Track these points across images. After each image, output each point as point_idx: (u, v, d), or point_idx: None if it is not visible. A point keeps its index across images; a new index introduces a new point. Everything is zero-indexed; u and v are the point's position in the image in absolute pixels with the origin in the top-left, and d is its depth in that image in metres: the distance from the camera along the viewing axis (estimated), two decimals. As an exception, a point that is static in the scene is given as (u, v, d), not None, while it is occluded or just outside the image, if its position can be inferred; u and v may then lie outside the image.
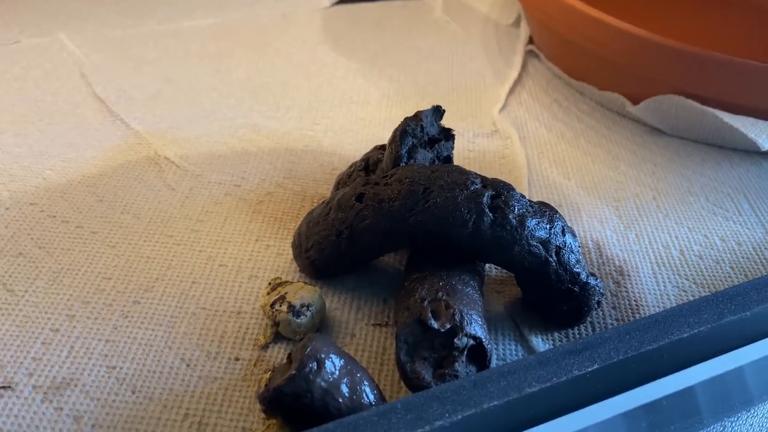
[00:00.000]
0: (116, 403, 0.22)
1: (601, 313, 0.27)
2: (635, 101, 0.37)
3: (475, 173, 0.25)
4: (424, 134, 0.27)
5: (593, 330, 0.26)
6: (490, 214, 0.24)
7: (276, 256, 0.28)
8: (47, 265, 0.27)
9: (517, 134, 0.36)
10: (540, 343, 0.25)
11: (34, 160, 0.32)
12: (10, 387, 0.22)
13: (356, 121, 0.37)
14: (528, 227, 0.24)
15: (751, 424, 0.22)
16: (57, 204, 0.30)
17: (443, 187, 0.24)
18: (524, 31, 0.45)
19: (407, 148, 0.26)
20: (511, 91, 0.40)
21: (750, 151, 0.36)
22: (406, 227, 0.24)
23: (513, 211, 0.24)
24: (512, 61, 0.43)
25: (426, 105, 0.38)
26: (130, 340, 0.24)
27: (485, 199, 0.24)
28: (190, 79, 0.39)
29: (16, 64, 0.40)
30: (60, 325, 0.24)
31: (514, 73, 0.41)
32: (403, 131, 0.26)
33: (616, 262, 0.29)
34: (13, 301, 0.25)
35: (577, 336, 0.26)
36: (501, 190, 0.24)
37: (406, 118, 0.27)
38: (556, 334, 0.26)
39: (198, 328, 0.25)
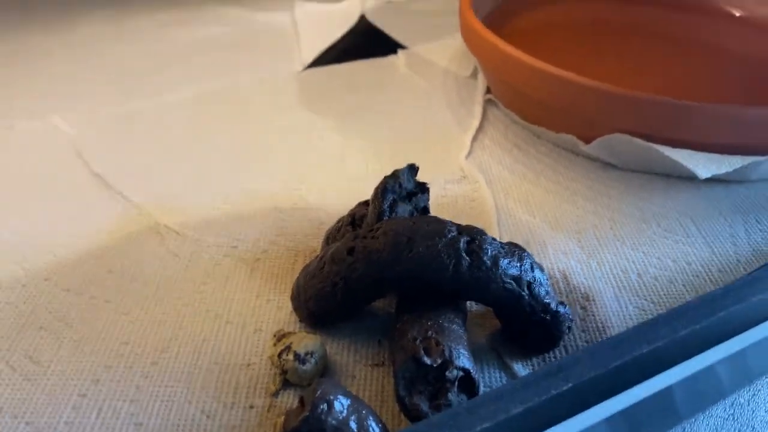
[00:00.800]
0: (147, 456, 0.24)
1: (572, 336, 0.30)
2: (587, 141, 0.41)
3: (451, 222, 0.28)
4: (403, 189, 0.30)
5: (567, 352, 0.29)
6: (467, 258, 0.27)
7: (277, 309, 0.31)
8: (68, 336, 0.29)
9: (483, 178, 0.40)
10: (521, 369, 0.28)
11: (42, 238, 0.35)
12: (47, 451, 0.25)
13: (337, 177, 0.40)
14: (501, 267, 0.27)
15: (708, 424, 0.25)
16: (69, 278, 0.32)
17: (424, 236, 0.27)
18: (481, 82, 0.49)
19: (389, 203, 0.30)
20: (475, 138, 0.44)
21: (693, 179, 0.40)
22: (394, 275, 0.27)
23: (487, 253, 0.27)
24: (473, 110, 0.47)
25: (399, 157, 0.42)
26: (152, 398, 0.27)
27: (462, 244, 0.27)
28: (180, 150, 0.42)
29: (11, 148, 0.43)
30: (87, 390, 0.27)
31: (475, 122, 0.45)
32: (384, 189, 0.30)
33: (582, 289, 0.32)
34: (40, 371, 0.28)
35: (553, 359, 0.29)
36: (475, 236, 0.27)
37: (386, 177, 0.30)
38: (534, 360, 0.29)
39: (213, 382, 0.27)
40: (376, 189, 0.30)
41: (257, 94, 0.49)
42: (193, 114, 0.47)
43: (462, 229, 0.28)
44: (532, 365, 0.29)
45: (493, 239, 0.28)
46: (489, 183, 0.39)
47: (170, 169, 0.41)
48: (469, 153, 0.42)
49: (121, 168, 0.40)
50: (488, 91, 0.48)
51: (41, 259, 0.33)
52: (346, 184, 0.39)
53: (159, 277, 0.32)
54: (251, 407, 0.26)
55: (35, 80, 0.51)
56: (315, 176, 0.40)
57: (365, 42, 0.57)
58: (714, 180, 0.40)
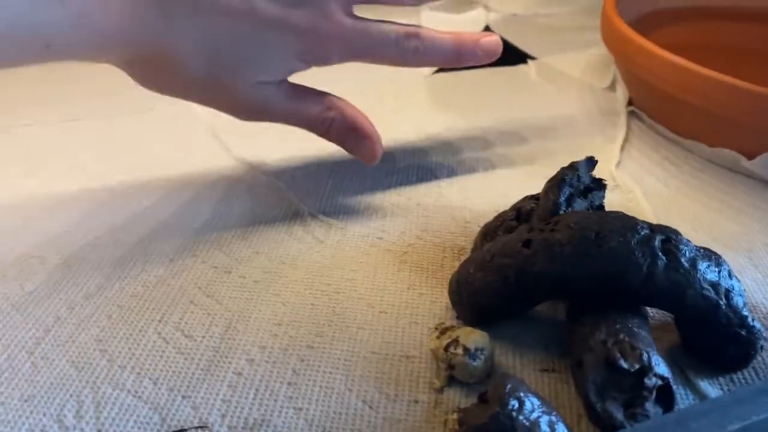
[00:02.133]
0: (313, 443, 0.23)
1: (760, 358, 0.27)
2: (750, 156, 0.38)
3: (641, 219, 0.26)
4: (580, 183, 0.28)
5: (757, 375, 0.26)
6: (664, 258, 0.24)
7: (431, 303, 0.29)
8: (219, 313, 0.28)
9: (639, 189, 0.37)
10: (708, 387, 0.26)
11: (187, 215, 0.34)
12: (207, 427, 0.23)
13: (477, 179, 0.38)
14: (700, 270, 0.24)
15: None
16: (216, 256, 0.31)
17: (615, 231, 0.25)
18: (622, 93, 0.47)
19: (565, 196, 0.28)
20: (622, 148, 0.41)
21: None
22: (580, 272, 0.25)
23: (684, 255, 0.24)
24: (615, 121, 0.44)
25: (542, 164, 0.40)
26: (311, 383, 0.25)
27: (657, 243, 0.24)
28: (319, 143, 0.41)
29: (150, 130, 0.43)
30: (242, 369, 0.25)
31: (621, 133, 0.43)
32: (561, 180, 0.28)
33: (763, 310, 0.29)
34: (193, 346, 0.26)
35: (743, 381, 0.26)
36: (670, 235, 0.25)
37: (563, 168, 0.28)
38: (721, 379, 0.26)
39: (373, 372, 0.25)
40: (551, 180, 0.28)
41: (388, 93, 0.48)
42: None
43: (654, 227, 0.25)
44: (720, 385, 0.26)
45: (689, 241, 0.25)
46: (644, 195, 0.37)
47: (308, 158, 0.40)
48: (619, 162, 0.40)
49: (260, 155, 0.40)
50: (630, 103, 0.46)
51: (187, 237, 0.33)
52: (488, 184, 0.38)
53: (307, 261, 0.31)
54: (416, 401, 0.24)
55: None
56: (455, 176, 0.38)
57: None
58: None
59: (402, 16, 0.60)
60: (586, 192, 0.28)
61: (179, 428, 0.23)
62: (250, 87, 0.31)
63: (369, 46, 0.33)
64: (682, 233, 0.26)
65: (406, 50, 0.33)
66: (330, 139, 0.34)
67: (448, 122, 0.44)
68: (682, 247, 0.25)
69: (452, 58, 0.35)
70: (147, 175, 0.38)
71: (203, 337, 0.27)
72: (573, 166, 0.28)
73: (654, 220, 0.34)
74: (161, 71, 0.30)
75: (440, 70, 0.51)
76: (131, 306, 0.28)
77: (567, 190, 0.28)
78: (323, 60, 0.32)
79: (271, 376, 0.25)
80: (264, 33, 0.30)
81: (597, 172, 0.39)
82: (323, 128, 0.34)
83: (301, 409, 0.24)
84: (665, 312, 0.28)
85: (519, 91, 0.49)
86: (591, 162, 0.28)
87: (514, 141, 0.42)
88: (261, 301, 0.29)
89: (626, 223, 0.25)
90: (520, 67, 0.53)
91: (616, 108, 0.46)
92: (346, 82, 0.51)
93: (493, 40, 0.35)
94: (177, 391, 0.24)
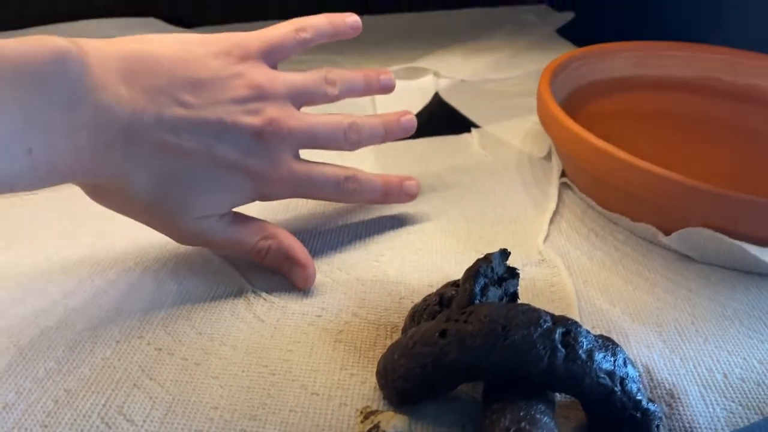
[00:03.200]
0: None
1: (661, 435, 0.30)
2: (666, 232, 0.41)
3: (545, 311, 0.28)
4: (494, 274, 0.31)
5: (656, 452, 0.29)
6: (563, 350, 0.27)
7: (361, 384, 0.31)
8: (160, 396, 0.30)
9: (562, 263, 0.40)
10: (609, 466, 0.28)
11: (134, 296, 0.36)
12: None
13: (415, 251, 0.41)
14: (596, 361, 0.27)
15: None
16: (161, 337, 0.33)
17: (519, 325, 0.27)
18: (556, 164, 0.50)
19: (480, 287, 0.30)
20: (551, 221, 0.44)
21: (774, 276, 0.39)
22: (488, 363, 0.27)
23: (582, 346, 0.27)
24: (548, 192, 0.47)
25: (475, 235, 0.42)
26: (242, 468, 0.27)
27: (557, 335, 0.27)
28: (268, 215, 0.44)
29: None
30: (178, 454, 0.27)
31: (552, 205, 0.46)
32: (476, 272, 0.30)
33: (667, 386, 0.32)
34: (134, 430, 0.28)
35: (642, 458, 0.29)
36: (570, 327, 0.28)
37: (478, 260, 0.31)
38: (622, 457, 0.29)
39: (301, 456, 0.28)
40: (468, 271, 0.31)
41: (334, 161, 0.51)
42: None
43: (557, 319, 0.28)
44: (620, 463, 0.28)
45: (587, 331, 0.28)
46: (568, 269, 0.40)
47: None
48: (547, 236, 0.43)
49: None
50: (563, 174, 0.49)
51: (135, 317, 0.34)
52: (424, 259, 0.40)
53: (247, 341, 0.33)
54: (339, 485, 0.27)
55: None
56: (394, 249, 0.41)
57: (439, 119, 0.58)
58: (799, 280, 0.39)
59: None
60: (500, 281, 0.31)
61: None
62: (195, 219, 0.34)
63: (312, 188, 0.38)
64: (599, 308, 0.28)
65: (345, 191, 0.39)
66: (266, 265, 0.38)
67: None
68: (580, 339, 0.27)
69: (381, 199, 0.43)
70: (102, 251, 0.40)
71: (144, 421, 0.29)
72: (487, 258, 0.31)
73: (574, 294, 0.38)
74: (113, 196, 0.33)
75: (389, 138, 0.54)
76: (77, 390, 0.30)
77: (482, 281, 0.30)
78: (268, 197, 0.37)
79: (206, 460, 0.27)
80: (218, 174, 0.33)
81: (527, 247, 0.42)
82: (260, 256, 0.37)
83: (231, 494, 0.26)
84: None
85: (462, 160, 0.52)
86: (504, 254, 0.31)
87: (453, 213, 0.45)
88: (200, 384, 0.31)
89: (530, 317, 0.28)
90: (464, 135, 0.56)
91: (551, 179, 0.49)
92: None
93: (413, 184, 0.44)
94: (115, 478, 0.26)
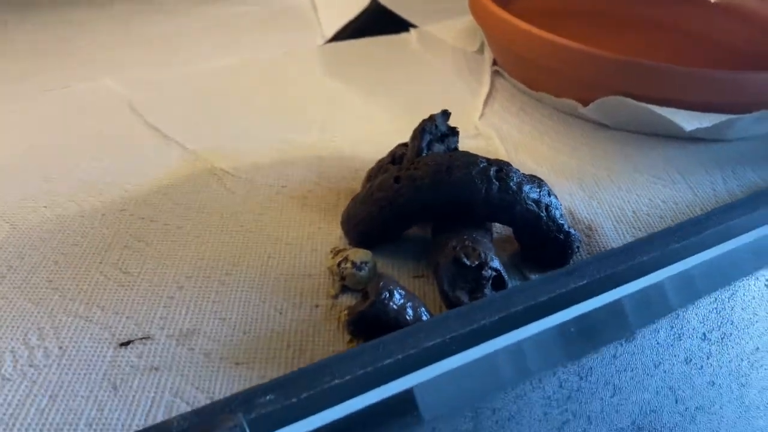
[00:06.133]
0: (234, 341, 0.29)
1: (579, 257, 0.35)
2: (584, 104, 0.46)
3: (482, 156, 0.33)
4: (438, 131, 0.35)
5: (576, 270, 0.35)
6: (497, 183, 0.32)
7: (328, 234, 0.36)
8: (150, 253, 0.34)
9: (496, 135, 0.45)
10: (538, 281, 0.34)
11: (113, 177, 0.39)
12: (149, 337, 0.29)
13: (367, 133, 0.45)
14: (524, 191, 0.32)
15: (696, 313, 0.30)
16: (142, 209, 0.37)
17: (460, 166, 0.32)
18: (488, 55, 0.54)
19: (426, 142, 0.35)
20: (485, 103, 0.49)
21: (677, 137, 0.46)
22: (435, 198, 0.32)
23: (512, 179, 0.32)
24: (482, 80, 0.52)
25: (419, 119, 0.47)
26: (231, 300, 0.31)
27: (492, 172, 0.32)
28: (223, 108, 0.47)
29: (70, 105, 0.47)
30: (174, 294, 0.31)
31: (485, 89, 0.50)
32: (422, 129, 0.35)
33: (586, 222, 0.38)
34: (131, 280, 0.32)
35: (565, 274, 0.35)
36: (502, 166, 0.33)
37: (423, 120, 0.35)
38: (549, 273, 0.34)
39: (282, 288, 0.32)
40: (415, 130, 0.35)
41: (284, 64, 0.54)
42: (227, 79, 0.51)
43: (491, 161, 0.33)
44: (548, 279, 0.34)
45: (517, 170, 0.33)
46: (501, 139, 0.45)
47: (217, 122, 0.45)
48: (482, 115, 0.48)
49: (173, 121, 0.45)
50: (494, 63, 0.54)
51: (115, 194, 0.38)
52: (375, 138, 0.44)
53: (221, 208, 0.37)
54: (316, 306, 0.31)
55: (82, 50, 0.56)
56: (347, 132, 0.45)
57: (378, 22, 0.62)
58: (697, 139, 0.46)
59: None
60: (443, 138, 0.36)
61: (126, 340, 0.29)
62: None
63: None
64: (528, 168, 0.33)
65: None
66: None
67: (341, 88, 0.51)
68: (511, 174, 0.32)
69: None
70: (75, 145, 0.42)
71: (139, 272, 0.33)
72: (431, 118, 0.35)
73: (506, 159, 0.43)
74: None
75: (332, 39, 0.58)
76: (74, 253, 0.34)
77: (427, 137, 0.35)
78: None
79: (198, 296, 0.31)
80: None
81: (464, 124, 0.47)
82: None
83: (224, 319, 0.30)
84: (507, 227, 0.36)
85: (401, 57, 0.56)
86: (446, 114, 0.36)
87: (397, 100, 0.49)
88: (184, 242, 0.35)
89: (469, 159, 0.33)
90: (403, 35, 0.60)
91: (483, 68, 0.54)
92: (242, 54, 0.56)
93: None
94: (122, 314, 0.30)
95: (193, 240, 0.35)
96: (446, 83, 0.52)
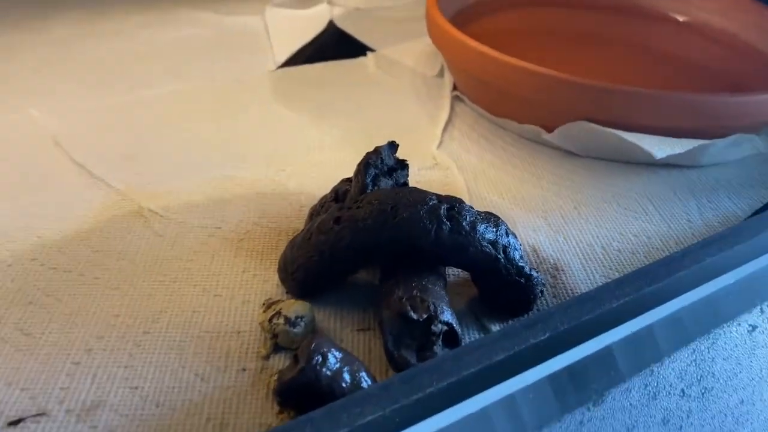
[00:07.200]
0: (144, 416, 0.25)
1: (544, 301, 0.32)
2: (549, 130, 0.43)
3: (432, 192, 0.30)
4: (384, 165, 0.32)
5: (540, 316, 0.31)
6: (448, 223, 0.28)
7: (263, 282, 0.32)
8: (58, 310, 0.30)
9: (455, 165, 0.42)
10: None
11: (27, 221, 0.35)
12: (44, 414, 0.25)
13: (315, 164, 0.42)
14: (479, 231, 0.29)
15: (673, 368, 0.27)
16: (56, 258, 0.33)
17: (407, 204, 0.29)
18: (448, 79, 0.51)
19: (371, 177, 0.31)
20: (444, 130, 0.46)
21: (648, 163, 0.43)
22: (380, 241, 0.29)
23: (465, 219, 0.29)
24: (441, 105, 0.49)
25: (373, 147, 0.43)
26: (146, 364, 0.27)
27: (442, 211, 0.29)
28: (160, 141, 0.43)
29: (-12, 140, 0.43)
30: (80, 359, 0.27)
31: (444, 115, 0.47)
32: (366, 164, 0.31)
33: (551, 261, 0.35)
34: (32, 343, 0.28)
35: (528, 322, 0.31)
36: (454, 203, 0.29)
37: (368, 153, 0.32)
38: (510, 322, 0.31)
39: (205, 349, 0.28)
40: (359, 165, 0.32)
41: (233, 91, 0.50)
42: (170, 108, 0.48)
43: (442, 198, 0.30)
44: (509, 327, 0.30)
45: (471, 207, 0.30)
46: (460, 169, 0.42)
47: (151, 157, 0.41)
48: (440, 143, 0.44)
49: (101, 157, 0.41)
50: (454, 88, 0.51)
51: (27, 242, 0.34)
52: (324, 171, 0.41)
53: (145, 255, 0.33)
54: (244, 370, 0.27)
55: (10, 77, 0.52)
56: (294, 165, 0.41)
57: (334, 46, 0.59)
58: (669, 165, 0.43)
59: (248, 11, 0.62)
60: (391, 172, 0.32)
61: (17, 418, 0.25)
62: None
63: None
64: (489, 200, 0.30)
65: None
66: None
67: (292, 116, 0.47)
68: (464, 213, 0.29)
69: None
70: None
71: (42, 333, 0.28)
72: (376, 150, 0.32)
73: (466, 191, 0.39)
74: None
75: (284, 64, 0.54)
76: (-32, 312, 0.29)
77: (372, 172, 0.31)
78: None
79: (108, 361, 0.27)
80: None
81: (422, 153, 0.43)
82: None
83: (136, 388, 0.26)
84: (463, 270, 0.32)
85: (358, 82, 0.53)
86: (392, 146, 0.32)
87: (351, 127, 0.46)
88: (99, 295, 0.31)
89: (417, 197, 0.29)
90: (360, 59, 0.56)
91: (443, 93, 0.51)
92: (192, 82, 0.53)
93: None
94: (15, 385, 0.26)
95: (111, 293, 0.31)
96: (404, 109, 0.49)
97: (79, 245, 0.34)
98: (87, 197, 0.37)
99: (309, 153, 0.43)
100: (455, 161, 0.42)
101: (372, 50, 0.57)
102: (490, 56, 0.42)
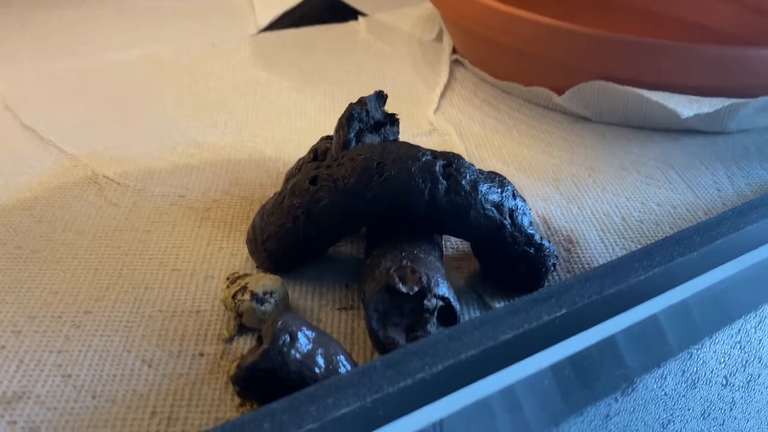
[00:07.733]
0: (76, 410, 0.21)
1: (556, 277, 0.28)
2: (560, 92, 0.39)
3: (425, 148, 0.25)
4: (370, 119, 0.27)
5: (552, 294, 0.27)
6: (444, 182, 0.24)
7: (230, 256, 0.28)
8: (-14, 286, 0.25)
9: (454, 131, 0.37)
10: (504, 310, 0.26)
11: (-40, 189, 0.31)
12: (-46, 408, 0.21)
13: (295, 131, 0.37)
14: (481, 191, 0.24)
15: (715, 351, 0.22)
16: (-9, 228, 0.28)
17: (396, 160, 0.24)
18: (447, 43, 0.47)
19: (354, 132, 0.27)
20: (443, 95, 0.41)
21: (667, 130, 0.38)
22: (364, 203, 0.24)
23: (465, 177, 0.24)
24: (439, 70, 0.44)
25: (362, 113, 0.39)
26: (84, 348, 0.23)
27: (438, 168, 0.24)
28: (122, 105, 0.39)
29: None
30: (5, 342, 0.23)
31: (443, 79, 0.43)
32: (349, 116, 0.27)
33: (564, 232, 0.30)
34: (-50, 324, 0.24)
35: (539, 300, 0.27)
36: (451, 160, 0.25)
37: (351, 104, 0.27)
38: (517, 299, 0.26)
39: (156, 330, 0.24)
40: (341, 118, 0.27)
41: (207, 56, 0.46)
42: (136, 73, 0.43)
43: (437, 154, 0.25)
44: (516, 307, 0.26)
45: (471, 164, 0.25)
46: (460, 136, 0.37)
47: (110, 122, 0.37)
48: (438, 108, 0.40)
49: (55, 122, 0.37)
50: (454, 52, 0.46)
51: (-42, 210, 0.29)
52: (305, 138, 0.36)
53: (96, 226, 0.29)
54: (201, 355, 0.23)
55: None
56: (272, 131, 0.37)
57: (323, 10, 0.54)
58: (692, 132, 0.38)
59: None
60: (378, 127, 0.28)
61: None
62: None
63: None
64: (493, 167, 0.26)
65: None
66: None
67: (273, 81, 0.43)
68: (463, 170, 0.24)
69: None
70: None
71: (-37, 313, 0.24)
72: (361, 101, 0.27)
73: (466, 156, 0.35)
74: None
75: (267, 29, 0.50)
76: None
77: (356, 125, 0.27)
78: None
79: (39, 345, 0.23)
80: None
81: (418, 119, 0.39)
82: None
83: (69, 376, 0.22)
84: (465, 241, 0.28)
85: (348, 46, 0.48)
86: (380, 96, 0.28)
87: (338, 94, 0.41)
88: (37, 270, 0.26)
89: (408, 151, 0.25)
90: (350, 23, 0.52)
91: (441, 57, 0.46)
92: (162, 46, 0.48)
93: None
94: (-77, 374, 0.22)
95: (50, 267, 0.26)
96: (398, 75, 0.44)
97: (21, 215, 0.29)
98: (33, 163, 0.33)
99: (290, 119, 0.38)
100: (454, 126, 0.38)
101: (363, 14, 0.53)
102: (495, 8, 0.38)
